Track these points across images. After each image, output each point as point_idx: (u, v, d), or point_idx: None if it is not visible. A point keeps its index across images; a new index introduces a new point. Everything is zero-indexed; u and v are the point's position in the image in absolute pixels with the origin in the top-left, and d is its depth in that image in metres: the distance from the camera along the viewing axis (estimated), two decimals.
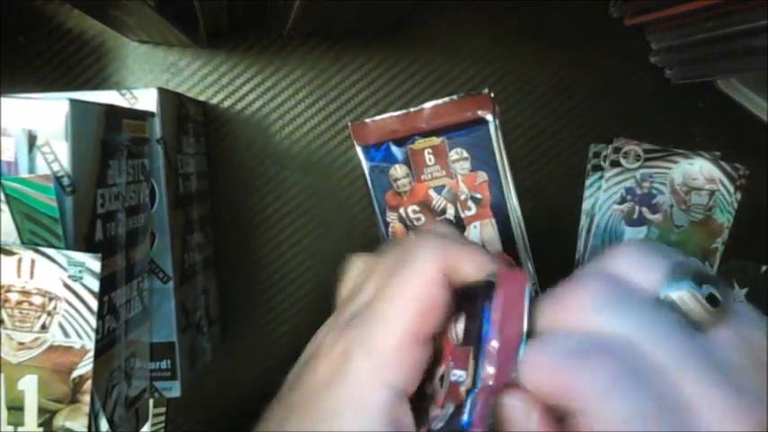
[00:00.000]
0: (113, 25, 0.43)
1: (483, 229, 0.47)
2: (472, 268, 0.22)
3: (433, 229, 0.28)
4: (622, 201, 0.48)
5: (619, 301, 0.19)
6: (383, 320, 0.22)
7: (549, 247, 0.48)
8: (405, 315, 0.21)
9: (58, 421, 0.28)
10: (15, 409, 0.28)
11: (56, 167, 0.27)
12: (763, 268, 0.49)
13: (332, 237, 0.48)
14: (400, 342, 0.21)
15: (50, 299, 0.28)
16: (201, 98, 0.46)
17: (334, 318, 0.26)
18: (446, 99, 0.47)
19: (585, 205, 0.49)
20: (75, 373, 0.28)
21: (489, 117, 0.47)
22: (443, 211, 0.47)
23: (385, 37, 0.47)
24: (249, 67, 0.46)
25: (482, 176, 0.47)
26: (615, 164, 0.48)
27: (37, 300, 0.27)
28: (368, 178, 0.47)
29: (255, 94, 0.47)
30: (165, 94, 0.37)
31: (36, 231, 0.27)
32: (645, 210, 0.49)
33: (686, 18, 0.42)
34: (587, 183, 0.49)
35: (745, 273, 0.49)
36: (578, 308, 0.20)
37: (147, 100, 0.36)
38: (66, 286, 0.28)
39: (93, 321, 0.28)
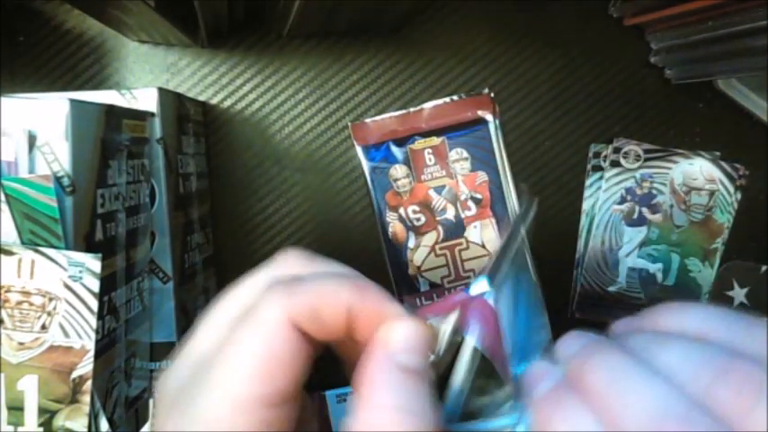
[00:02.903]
0: (113, 25, 0.43)
1: (483, 229, 0.47)
2: (331, 310, 0.19)
3: (288, 261, 0.24)
4: (622, 201, 0.48)
5: None
6: (213, 388, 0.19)
7: (549, 247, 0.48)
8: (238, 379, 0.19)
9: (58, 421, 0.28)
10: (15, 409, 0.28)
11: (56, 167, 0.27)
12: (763, 268, 0.49)
13: (332, 237, 0.48)
14: (234, 411, 0.18)
15: (50, 299, 0.28)
16: (201, 98, 0.46)
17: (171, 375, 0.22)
18: (446, 99, 0.47)
19: (585, 205, 0.49)
20: (75, 373, 0.28)
21: (489, 117, 0.47)
22: (443, 211, 0.47)
23: (385, 37, 0.47)
24: (249, 67, 0.46)
25: (482, 176, 0.47)
26: (615, 164, 0.48)
27: (37, 300, 0.27)
28: (368, 178, 0.47)
29: (255, 94, 0.47)
30: (165, 94, 0.37)
31: (36, 231, 0.27)
32: (645, 210, 0.49)
33: (686, 18, 0.42)
34: (587, 183, 0.49)
35: (745, 273, 0.49)
36: None
37: (147, 100, 0.36)
38: (67, 286, 0.28)
39: (93, 321, 0.28)
